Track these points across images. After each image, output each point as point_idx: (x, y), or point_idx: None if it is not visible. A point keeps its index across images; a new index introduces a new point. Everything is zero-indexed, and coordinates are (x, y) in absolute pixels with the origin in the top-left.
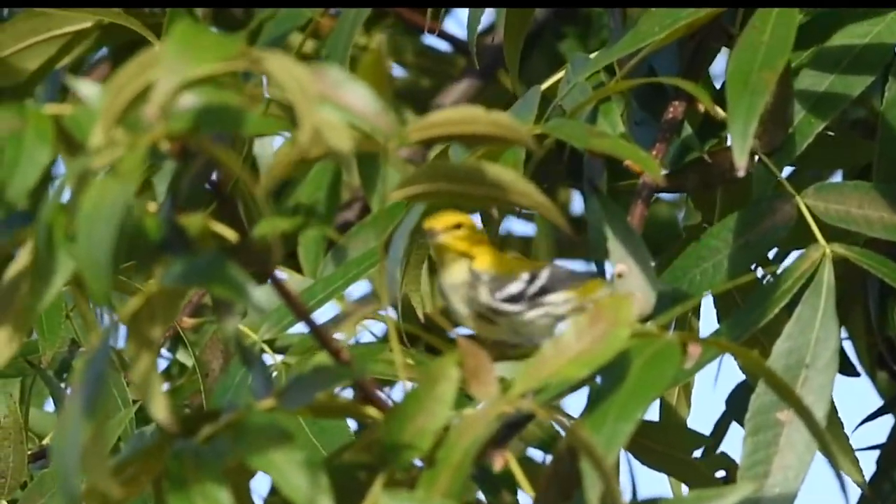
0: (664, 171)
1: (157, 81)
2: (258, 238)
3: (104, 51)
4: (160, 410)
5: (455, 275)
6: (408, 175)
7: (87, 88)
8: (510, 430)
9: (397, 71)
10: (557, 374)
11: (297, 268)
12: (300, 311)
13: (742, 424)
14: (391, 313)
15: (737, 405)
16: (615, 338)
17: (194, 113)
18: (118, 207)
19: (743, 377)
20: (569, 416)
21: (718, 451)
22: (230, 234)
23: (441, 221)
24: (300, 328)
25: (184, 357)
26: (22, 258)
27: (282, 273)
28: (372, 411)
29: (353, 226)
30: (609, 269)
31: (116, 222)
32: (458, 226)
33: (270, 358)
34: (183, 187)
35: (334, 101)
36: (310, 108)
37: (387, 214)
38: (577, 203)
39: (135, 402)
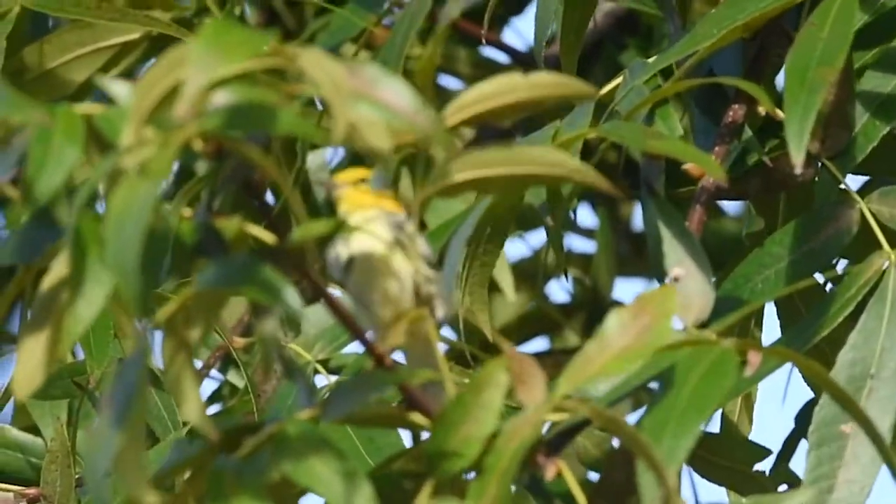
0: (724, 177)
1: (186, 79)
2: (295, 242)
3: (152, 63)
4: (195, 413)
5: (366, 213)
6: (464, 158)
7: (117, 87)
8: (563, 438)
9: (454, 83)
10: (602, 372)
11: None
12: (349, 323)
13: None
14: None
15: (806, 422)
16: (660, 331)
17: (226, 111)
18: (147, 206)
19: (813, 394)
20: (624, 421)
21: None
22: (268, 237)
23: (346, 176)
24: (356, 348)
25: (235, 378)
26: (57, 269)
27: (335, 289)
28: (419, 420)
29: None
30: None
31: (145, 221)
32: (363, 180)
33: (325, 378)
34: (218, 188)
35: (371, 98)
36: (344, 104)
37: (443, 224)
38: (637, 221)
39: (185, 423)
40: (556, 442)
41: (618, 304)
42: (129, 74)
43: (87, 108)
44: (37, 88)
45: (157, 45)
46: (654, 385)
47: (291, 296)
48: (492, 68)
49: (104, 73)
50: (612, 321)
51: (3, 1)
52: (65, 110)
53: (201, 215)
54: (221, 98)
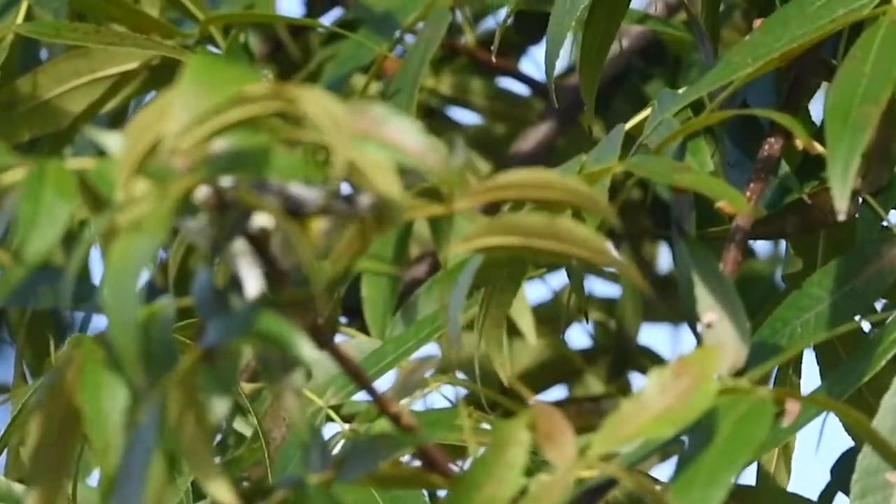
0: (760, 214)
1: (170, 117)
2: (304, 290)
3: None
4: (222, 492)
5: None
6: (478, 225)
7: (109, 139)
8: (591, 497)
9: (469, 116)
10: (639, 433)
11: (363, 327)
12: (358, 375)
13: (848, 494)
14: (463, 374)
15: (843, 473)
16: (702, 393)
17: (224, 158)
18: (144, 260)
19: (851, 443)
20: (655, 481)
21: None
22: (273, 287)
23: None
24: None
25: (241, 426)
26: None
27: (345, 335)
28: (439, 480)
29: (422, 283)
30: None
31: (140, 276)
32: None
33: (337, 426)
34: (218, 241)
35: (378, 138)
36: (344, 145)
37: (458, 270)
38: (664, 260)
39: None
40: (584, 501)
41: (643, 350)
42: (127, 106)
43: (78, 162)
44: (30, 121)
45: (156, 74)
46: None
47: (303, 346)
48: (508, 100)
49: (102, 105)
50: (652, 380)
51: None
52: (54, 164)
53: (201, 273)
54: (219, 144)
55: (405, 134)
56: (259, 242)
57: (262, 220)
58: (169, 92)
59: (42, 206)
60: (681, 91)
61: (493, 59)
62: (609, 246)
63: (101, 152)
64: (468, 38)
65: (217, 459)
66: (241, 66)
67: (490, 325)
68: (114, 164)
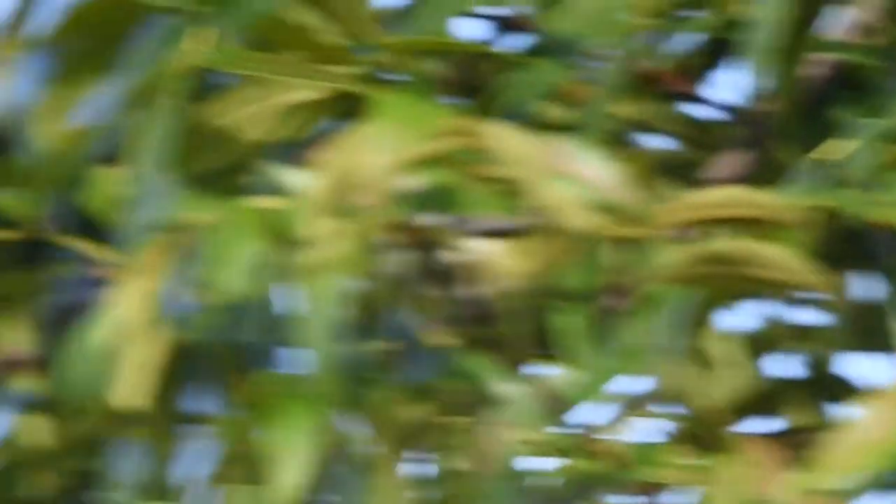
0: None
1: (365, 162)
2: (506, 328)
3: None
4: None
5: None
6: (677, 257)
7: (290, 176)
8: None
9: (658, 142)
10: (855, 466)
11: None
12: (558, 408)
13: None
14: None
15: None
16: None
17: (414, 196)
18: (339, 304)
19: None
20: None
21: None
22: (469, 322)
23: None
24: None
25: (444, 460)
26: None
27: (539, 366)
28: None
29: (616, 312)
30: None
31: (338, 314)
32: None
33: (538, 459)
34: (410, 278)
35: (569, 173)
36: (537, 182)
37: (655, 299)
38: (867, 290)
39: None
40: None
41: (838, 379)
42: (305, 134)
43: (264, 201)
44: (208, 150)
45: (336, 102)
46: None
47: (502, 382)
48: (697, 125)
49: (280, 133)
50: (863, 411)
51: (173, 57)
52: (241, 206)
53: (396, 311)
54: (409, 181)
55: (596, 169)
56: (451, 277)
57: (454, 254)
58: (359, 130)
59: (228, 246)
60: (880, 120)
61: (683, 85)
62: (815, 270)
63: (280, 185)
64: (657, 64)
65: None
66: (432, 103)
67: (686, 356)
68: (299, 203)
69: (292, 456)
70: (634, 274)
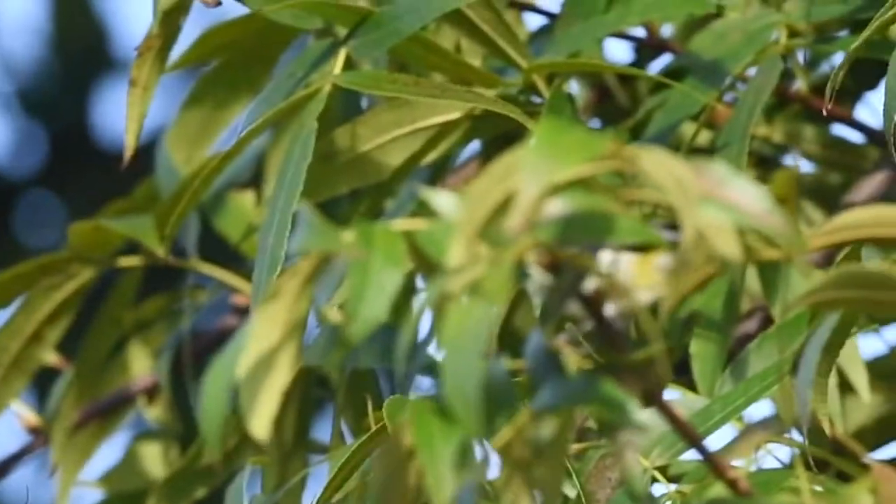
0: None
1: (519, 189)
2: (642, 358)
3: (475, 145)
4: None
5: None
6: (814, 282)
7: (441, 199)
8: None
9: (803, 164)
10: None
11: (690, 384)
12: (690, 435)
13: None
14: (796, 435)
15: None
16: None
17: (562, 221)
18: (483, 332)
19: None
20: None
21: None
22: (605, 354)
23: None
24: (696, 453)
25: (566, 487)
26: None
27: (673, 391)
28: None
29: (753, 338)
30: None
31: (482, 348)
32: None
33: (664, 486)
34: (553, 304)
35: (718, 199)
36: (692, 209)
37: (792, 325)
38: None
39: None
40: None
41: None
42: (448, 157)
43: (407, 224)
44: (349, 173)
45: (479, 125)
46: None
47: (637, 412)
48: (842, 148)
49: (422, 156)
50: None
51: (313, 79)
52: (382, 230)
53: (536, 336)
54: (555, 206)
55: (747, 195)
56: (593, 304)
57: (596, 281)
58: (511, 156)
59: (371, 273)
60: None
61: (828, 107)
62: None
63: (422, 207)
64: (801, 85)
65: None
66: (586, 128)
67: (817, 378)
68: (446, 227)
69: (436, 482)
70: (775, 298)
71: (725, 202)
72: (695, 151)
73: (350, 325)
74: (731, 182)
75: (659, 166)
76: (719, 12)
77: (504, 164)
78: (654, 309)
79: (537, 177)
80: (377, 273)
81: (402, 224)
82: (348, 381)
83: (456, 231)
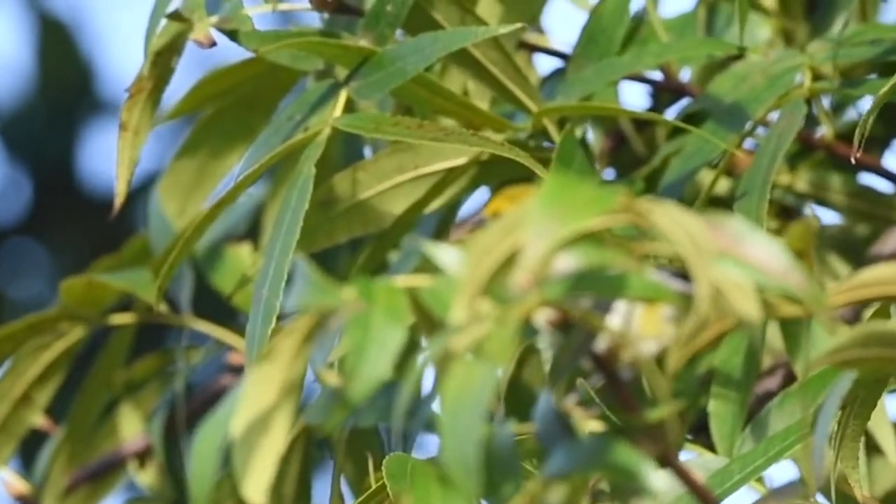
0: None
1: (525, 245)
2: (655, 419)
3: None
4: None
5: None
6: (838, 340)
7: (445, 254)
8: None
9: (828, 214)
10: None
11: (709, 444)
12: (707, 499)
13: None
14: (822, 499)
15: None
16: None
17: (571, 278)
18: (485, 394)
19: None
20: None
21: None
22: (617, 414)
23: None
24: None
25: None
26: None
27: (691, 452)
28: None
29: (774, 396)
30: None
31: (484, 412)
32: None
33: None
34: (562, 364)
35: (736, 256)
36: (706, 266)
37: (815, 383)
38: None
39: None
40: None
41: None
42: (454, 205)
43: (409, 280)
44: (350, 221)
45: (486, 170)
46: None
47: (651, 476)
48: (870, 197)
49: (427, 203)
50: None
51: (311, 122)
52: (384, 286)
53: (544, 394)
54: (564, 262)
55: (765, 252)
56: (604, 363)
57: (607, 339)
58: (517, 210)
59: (373, 330)
60: None
61: (856, 155)
62: None
63: (426, 261)
64: (826, 131)
65: None
66: (599, 188)
67: (847, 441)
68: (450, 283)
69: None
70: (798, 355)
71: (742, 259)
72: (714, 201)
73: (350, 384)
74: (748, 238)
75: (672, 222)
76: (740, 54)
77: (510, 217)
78: (661, 361)
79: (544, 233)
80: (379, 330)
81: (403, 280)
82: (349, 438)
83: (459, 288)
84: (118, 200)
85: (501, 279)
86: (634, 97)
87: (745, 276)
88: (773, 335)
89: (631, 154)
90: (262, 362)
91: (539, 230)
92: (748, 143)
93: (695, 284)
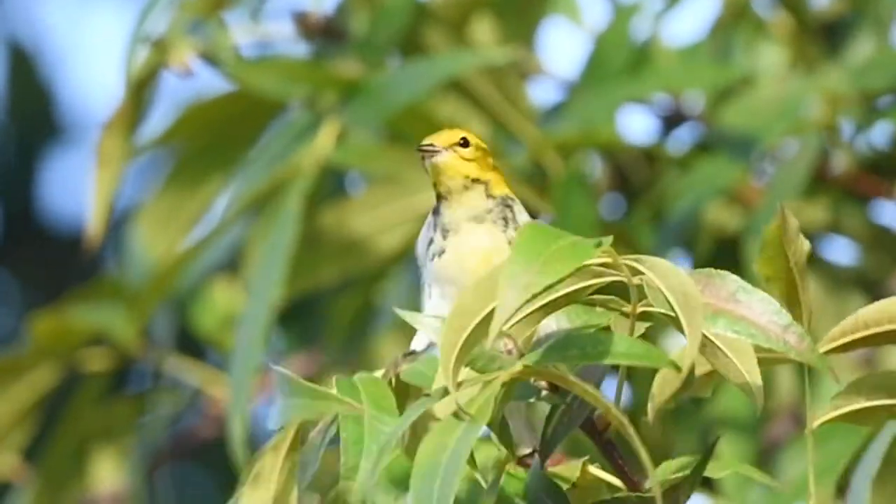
0: None
1: (498, 299)
2: (652, 487)
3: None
4: None
5: (473, 203)
6: (841, 390)
7: (427, 323)
8: None
9: (843, 248)
10: None
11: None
12: None
13: None
14: None
15: None
16: None
17: (556, 343)
18: (462, 451)
19: None
20: None
21: None
22: (616, 481)
23: (443, 137)
24: None
25: None
26: None
27: (700, 499)
28: None
29: (783, 441)
30: None
31: (459, 468)
32: (464, 142)
33: None
34: (555, 432)
35: (730, 314)
36: (695, 324)
37: (826, 430)
38: None
39: None
40: None
41: None
42: None
43: (392, 368)
44: (338, 259)
45: None
46: None
47: None
48: (886, 230)
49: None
50: None
51: (297, 153)
52: (367, 380)
53: (534, 463)
54: (552, 324)
55: (760, 310)
56: (595, 430)
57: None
58: (493, 270)
59: (364, 428)
60: None
61: (876, 186)
62: None
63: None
64: (842, 163)
65: None
66: (576, 239)
67: (885, 493)
68: (431, 361)
69: None
70: (804, 404)
71: (737, 317)
72: (718, 234)
73: (351, 479)
74: (743, 295)
75: (661, 276)
76: (748, 80)
77: (487, 276)
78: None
79: (517, 288)
80: (372, 423)
81: (385, 368)
82: None
83: (440, 355)
84: (95, 236)
85: (481, 340)
86: (639, 125)
87: (740, 334)
88: (782, 378)
89: (637, 179)
90: (253, 484)
91: (512, 285)
92: (758, 173)
93: (686, 340)
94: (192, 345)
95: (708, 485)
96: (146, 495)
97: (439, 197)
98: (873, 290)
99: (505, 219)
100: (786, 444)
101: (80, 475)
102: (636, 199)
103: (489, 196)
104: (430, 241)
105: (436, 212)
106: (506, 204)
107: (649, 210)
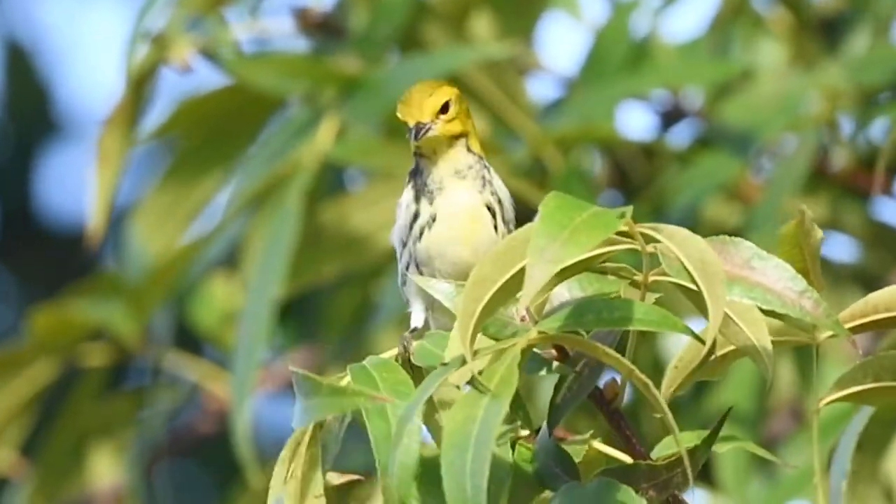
0: None
1: (526, 272)
2: (661, 459)
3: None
4: None
5: (455, 157)
6: (849, 370)
7: (441, 288)
8: None
9: (843, 243)
10: None
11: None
12: None
13: None
14: None
15: None
16: None
17: (571, 310)
18: (491, 426)
19: None
20: None
21: None
22: (624, 455)
23: (426, 109)
24: None
25: None
26: None
27: (700, 493)
28: None
29: (784, 435)
30: None
31: (490, 444)
32: (445, 107)
33: None
34: (564, 401)
35: (746, 281)
36: (717, 293)
37: (826, 422)
38: None
39: None
40: None
41: None
42: None
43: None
44: (338, 255)
45: None
46: None
47: None
48: (886, 226)
49: None
50: None
51: (297, 149)
52: (381, 368)
53: (542, 434)
54: (564, 293)
55: (776, 276)
56: (605, 400)
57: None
58: (514, 238)
59: (394, 420)
60: None
61: (874, 182)
62: None
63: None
64: (841, 159)
65: None
66: (598, 209)
67: (861, 485)
68: (442, 338)
69: None
70: (808, 391)
71: (753, 284)
72: (719, 228)
73: (387, 476)
74: (758, 263)
75: (680, 245)
76: (747, 76)
77: (507, 245)
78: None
79: (545, 259)
80: (398, 414)
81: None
82: None
83: (457, 324)
84: (96, 233)
85: (499, 307)
86: (640, 121)
87: (756, 301)
88: (783, 372)
89: (636, 175)
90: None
91: (541, 256)
92: (757, 169)
93: (708, 308)
94: (190, 340)
95: (708, 480)
96: (144, 490)
97: (420, 156)
98: (873, 287)
99: (483, 178)
100: (786, 440)
101: (79, 470)
102: (635, 195)
103: (469, 150)
104: (415, 216)
105: (415, 173)
106: (483, 164)
107: (648, 206)
